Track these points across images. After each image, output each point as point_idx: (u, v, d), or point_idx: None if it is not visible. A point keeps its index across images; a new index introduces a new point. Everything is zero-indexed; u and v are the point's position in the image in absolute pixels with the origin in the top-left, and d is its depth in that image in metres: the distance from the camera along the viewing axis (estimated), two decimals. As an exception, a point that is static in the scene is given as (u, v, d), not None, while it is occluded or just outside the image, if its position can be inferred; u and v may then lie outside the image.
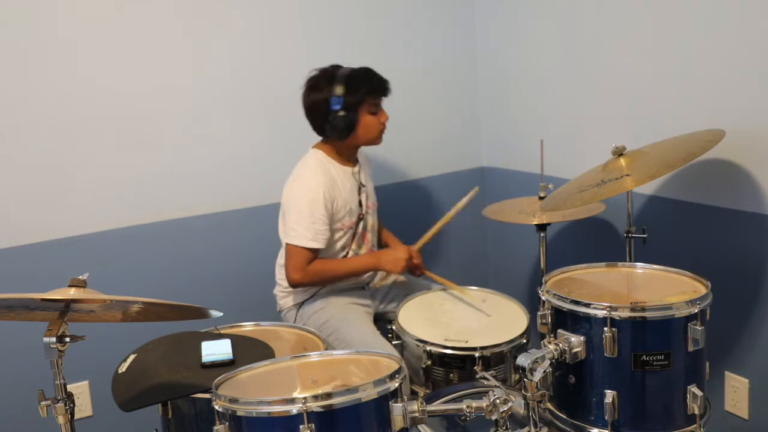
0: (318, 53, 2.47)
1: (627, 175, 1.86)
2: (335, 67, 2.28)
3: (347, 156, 2.34)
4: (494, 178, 3.09)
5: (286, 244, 2.22)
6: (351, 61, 2.51)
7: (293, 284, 2.24)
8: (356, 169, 2.36)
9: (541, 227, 2.28)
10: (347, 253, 2.34)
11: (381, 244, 2.58)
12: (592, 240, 2.61)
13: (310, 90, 2.26)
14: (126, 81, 2.39)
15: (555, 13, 2.65)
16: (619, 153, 1.99)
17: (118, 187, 2.42)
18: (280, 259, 2.38)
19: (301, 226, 2.19)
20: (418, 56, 2.93)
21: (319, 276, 2.24)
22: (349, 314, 2.27)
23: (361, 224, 2.35)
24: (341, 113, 2.20)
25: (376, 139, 2.32)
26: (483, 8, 2.99)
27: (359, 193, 2.34)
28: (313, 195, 2.19)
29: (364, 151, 2.49)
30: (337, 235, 2.29)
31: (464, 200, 2.39)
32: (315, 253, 2.21)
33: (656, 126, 2.26)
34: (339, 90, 2.20)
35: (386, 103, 2.64)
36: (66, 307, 1.41)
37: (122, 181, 2.43)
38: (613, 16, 2.40)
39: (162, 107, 2.46)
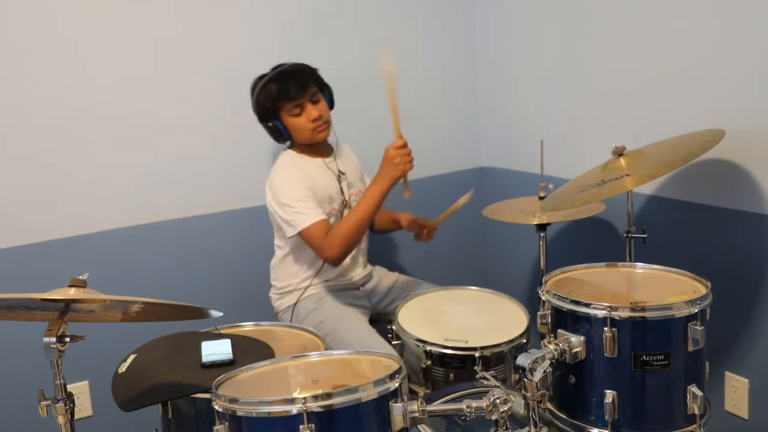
0: (318, 54, 2.47)
1: (627, 175, 1.86)
2: (259, 78, 2.28)
3: (316, 149, 2.35)
4: (494, 178, 3.09)
5: (299, 234, 2.18)
6: (351, 61, 2.51)
7: (336, 260, 2.19)
8: (330, 158, 2.37)
9: (541, 227, 2.28)
10: None
11: (379, 229, 2.60)
12: (592, 240, 2.61)
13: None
14: (126, 81, 2.39)
15: (555, 13, 2.65)
16: (619, 153, 1.99)
17: (118, 187, 2.42)
18: (274, 261, 2.39)
19: (297, 211, 2.18)
20: (418, 56, 2.93)
21: (347, 236, 2.14)
22: (344, 314, 2.27)
23: (346, 212, 2.35)
24: (270, 124, 2.26)
25: (312, 138, 2.28)
26: (483, 8, 2.99)
27: (339, 181, 2.34)
28: (292, 183, 2.22)
29: (342, 144, 2.48)
30: None
31: (461, 201, 2.36)
32: (327, 225, 2.18)
33: (656, 126, 2.26)
34: (253, 103, 2.27)
35: (386, 102, 2.62)
36: (66, 307, 1.41)
37: (122, 181, 2.43)
38: (613, 16, 2.40)
39: (162, 107, 2.46)
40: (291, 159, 2.32)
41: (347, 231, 2.14)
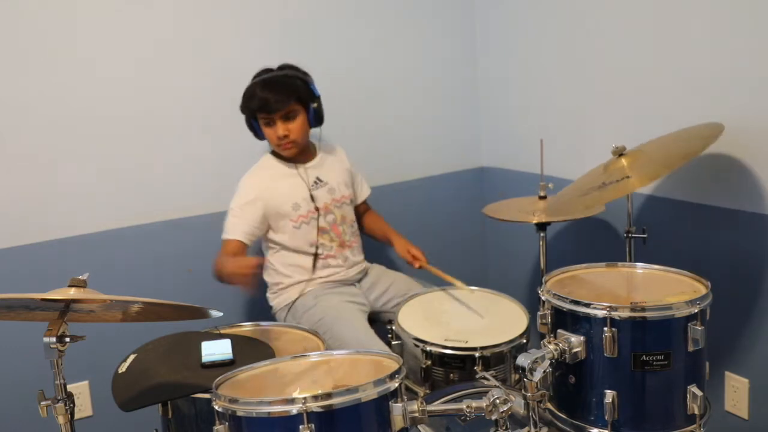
0: (317, 54, 2.47)
1: (628, 177, 1.86)
2: (264, 71, 2.32)
3: (295, 156, 2.37)
4: (494, 178, 3.09)
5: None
6: (351, 61, 2.51)
7: (215, 275, 2.23)
8: (308, 165, 2.39)
9: (541, 227, 2.28)
10: (317, 247, 2.35)
11: (369, 234, 2.60)
12: (592, 240, 2.61)
13: None
14: (126, 81, 2.39)
15: (555, 12, 2.65)
16: (619, 153, 1.99)
17: (118, 187, 2.42)
18: (266, 262, 2.42)
19: (228, 220, 2.29)
20: (418, 56, 2.93)
21: (224, 273, 2.16)
22: (342, 312, 2.27)
23: (325, 218, 2.36)
24: (248, 122, 2.33)
25: (278, 149, 2.33)
26: (483, 8, 2.99)
27: (311, 189, 2.35)
28: (242, 191, 2.31)
29: (331, 147, 2.50)
30: (287, 229, 2.32)
31: (458, 283, 2.33)
32: (236, 245, 2.25)
33: (656, 126, 2.25)
34: (241, 102, 2.31)
35: (386, 102, 2.63)
36: (66, 307, 1.41)
37: (122, 181, 2.43)
38: (613, 16, 2.40)
39: (163, 108, 2.46)
40: (264, 164, 2.39)
41: (225, 270, 2.13)
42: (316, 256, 2.35)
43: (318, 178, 2.39)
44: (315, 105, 2.31)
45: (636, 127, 2.35)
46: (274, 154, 2.39)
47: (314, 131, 2.39)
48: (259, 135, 2.35)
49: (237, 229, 2.27)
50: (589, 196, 1.92)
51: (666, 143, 2.00)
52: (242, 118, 2.51)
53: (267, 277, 2.42)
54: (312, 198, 2.35)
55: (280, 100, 2.23)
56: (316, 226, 2.35)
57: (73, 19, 2.29)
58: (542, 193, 2.34)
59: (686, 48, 2.16)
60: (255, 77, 2.31)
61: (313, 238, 2.35)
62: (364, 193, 2.60)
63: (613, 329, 1.56)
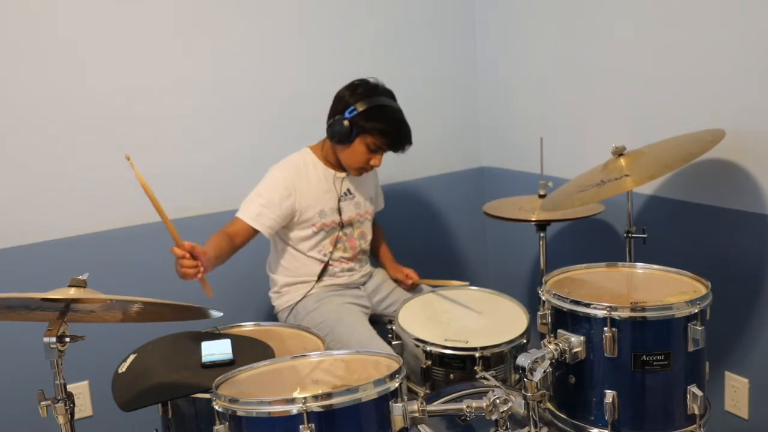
0: (318, 56, 2.47)
1: (626, 176, 1.86)
2: (386, 91, 2.29)
3: (334, 162, 2.35)
4: (494, 177, 3.10)
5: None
6: (350, 62, 2.51)
7: None
8: (343, 175, 2.36)
9: (541, 227, 2.28)
10: (325, 254, 2.34)
11: (379, 261, 2.62)
12: (592, 240, 2.61)
13: (350, 86, 2.26)
14: (126, 82, 2.39)
15: (555, 13, 2.65)
16: (618, 153, 1.99)
17: (118, 187, 2.41)
18: (270, 260, 2.42)
19: (248, 199, 2.24)
20: (418, 56, 2.93)
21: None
22: (344, 314, 2.27)
23: (345, 230, 2.36)
24: (346, 123, 2.19)
25: (353, 169, 2.31)
26: (483, 8, 2.99)
27: (340, 200, 2.34)
28: (273, 183, 2.25)
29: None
30: (306, 232, 2.31)
31: (455, 282, 2.37)
32: (240, 225, 2.20)
33: (656, 126, 2.26)
34: (362, 106, 2.19)
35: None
36: (66, 307, 1.41)
37: (122, 181, 2.42)
38: (612, 16, 2.41)
39: (163, 108, 2.46)
40: (303, 159, 2.33)
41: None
42: (326, 265, 2.35)
43: (348, 191, 2.38)
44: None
45: (636, 127, 2.35)
46: (316, 149, 2.35)
47: None
48: (343, 140, 2.23)
49: (261, 219, 2.20)
50: (586, 192, 1.92)
51: (667, 146, 2.00)
52: (241, 119, 2.53)
53: (270, 272, 2.42)
54: (339, 210, 2.34)
55: (403, 147, 2.27)
56: (335, 236, 2.34)
57: (73, 19, 2.29)
58: (542, 192, 2.34)
59: (686, 48, 2.16)
60: (372, 89, 2.24)
61: (326, 247, 2.34)
62: (378, 206, 2.60)
63: (613, 329, 1.56)
